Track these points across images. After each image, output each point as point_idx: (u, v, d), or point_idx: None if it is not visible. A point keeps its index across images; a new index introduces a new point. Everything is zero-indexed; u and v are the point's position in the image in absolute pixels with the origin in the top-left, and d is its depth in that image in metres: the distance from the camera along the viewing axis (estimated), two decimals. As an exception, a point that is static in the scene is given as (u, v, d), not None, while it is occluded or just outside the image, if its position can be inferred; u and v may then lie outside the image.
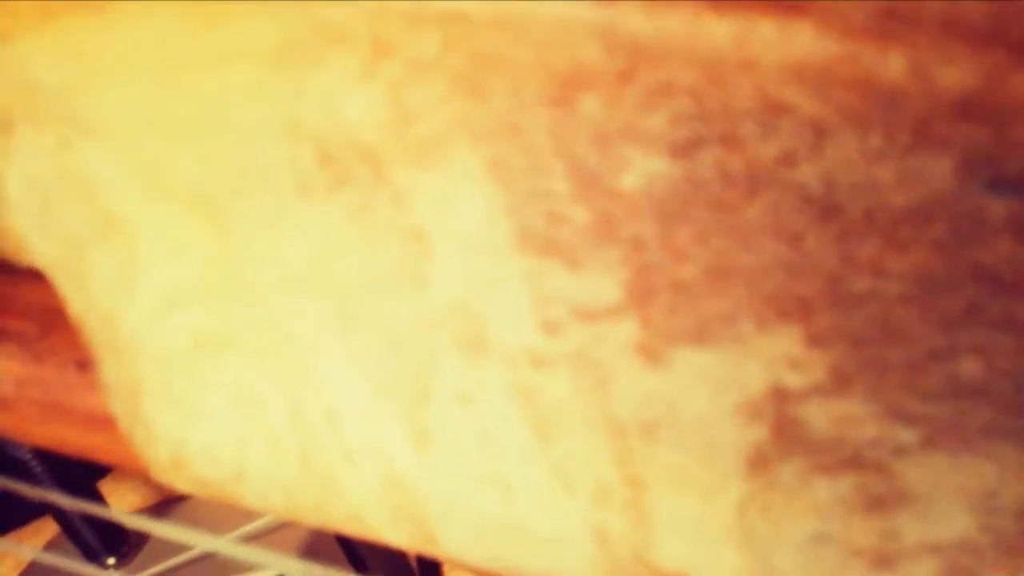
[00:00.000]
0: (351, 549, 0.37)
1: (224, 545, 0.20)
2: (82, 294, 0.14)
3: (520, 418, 0.13)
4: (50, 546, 0.43)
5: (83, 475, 0.37)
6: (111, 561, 0.37)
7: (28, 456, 0.34)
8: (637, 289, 0.11)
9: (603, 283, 0.12)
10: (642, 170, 0.10)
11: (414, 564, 0.42)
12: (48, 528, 0.44)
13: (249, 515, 0.38)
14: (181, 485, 0.15)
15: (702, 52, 0.10)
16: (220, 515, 0.39)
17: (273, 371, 0.14)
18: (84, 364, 0.15)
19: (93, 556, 0.37)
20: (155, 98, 0.12)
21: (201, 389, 0.14)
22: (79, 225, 0.14)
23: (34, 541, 0.44)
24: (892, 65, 0.09)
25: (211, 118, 0.12)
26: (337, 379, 0.14)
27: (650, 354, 0.12)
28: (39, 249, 0.15)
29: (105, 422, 0.15)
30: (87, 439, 0.15)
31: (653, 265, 0.11)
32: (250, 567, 0.35)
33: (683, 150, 0.10)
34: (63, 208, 0.14)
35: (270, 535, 0.37)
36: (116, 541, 0.37)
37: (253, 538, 0.37)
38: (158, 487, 0.42)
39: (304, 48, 0.11)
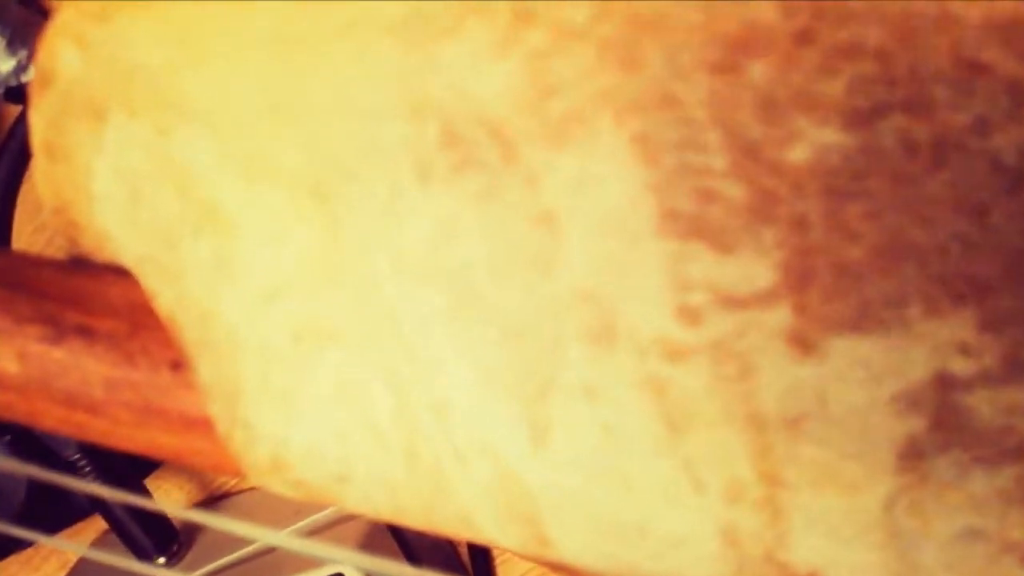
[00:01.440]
0: (404, 542, 0.36)
1: (285, 539, 0.19)
2: (174, 290, 0.14)
3: (649, 412, 0.13)
4: (98, 545, 0.42)
5: (130, 473, 0.36)
6: (161, 560, 0.36)
7: (76, 455, 0.34)
8: (794, 273, 0.11)
9: (755, 267, 0.11)
10: (813, 142, 0.10)
11: (466, 558, 0.41)
12: (94, 528, 0.43)
13: (298, 513, 0.38)
14: (281, 488, 0.14)
15: (893, 9, 0.09)
16: (266, 513, 0.39)
17: (379, 364, 0.13)
18: (178, 364, 0.14)
19: (143, 555, 0.36)
20: (263, 78, 0.12)
21: (303, 385, 0.14)
22: (172, 217, 0.13)
23: (80, 540, 0.44)
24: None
25: (324, 97, 0.11)
26: (448, 372, 0.13)
27: (802, 343, 0.11)
28: (126, 244, 0.14)
29: (201, 424, 0.14)
30: (182, 442, 0.14)
31: (815, 246, 0.10)
32: (302, 567, 0.34)
33: (863, 119, 0.09)
34: (155, 200, 0.13)
35: (322, 532, 0.36)
36: (166, 540, 0.37)
37: (306, 535, 0.37)
38: (203, 484, 0.42)
39: (436, 18, 0.10)
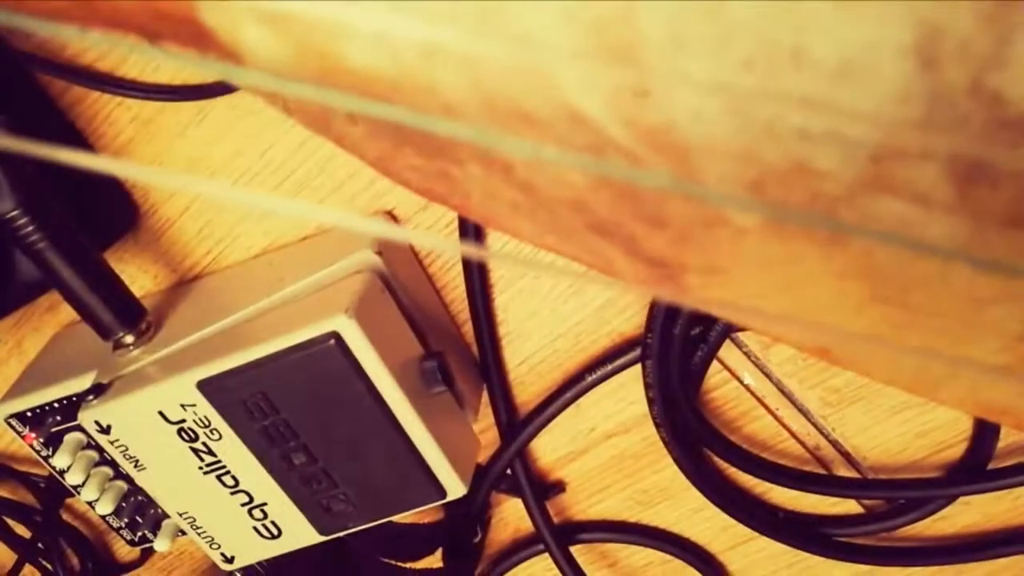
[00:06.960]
0: (403, 308, 0.32)
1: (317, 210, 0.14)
2: None
3: None
4: (61, 329, 0.38)
5: (85, 243, 0.32)
6: (129, 339, 0.32)
7: (14, 211, 0.29)
8: None
9: None
10: None
11: (470, 338, 0.37)
12: (55, 321, 0.39)
13: (281, 280, 0.33)
14: (267, 36, 0.09)
15: None
16: (245, 288, 0.34)
17: None
18: None
19: (107, 334, 0.32)
20: None
21: None
22: None
23: (38, 330, 0.40)
24: None
25: None
26: None
27: None
28: None
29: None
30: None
31: None
32: (282, 331, 0.30)
33: None
34: None
35: (315, 295, 0.32)
36: (133, 317, 0.32)
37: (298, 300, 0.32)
38: (172, 265, 0.37)
39: None
